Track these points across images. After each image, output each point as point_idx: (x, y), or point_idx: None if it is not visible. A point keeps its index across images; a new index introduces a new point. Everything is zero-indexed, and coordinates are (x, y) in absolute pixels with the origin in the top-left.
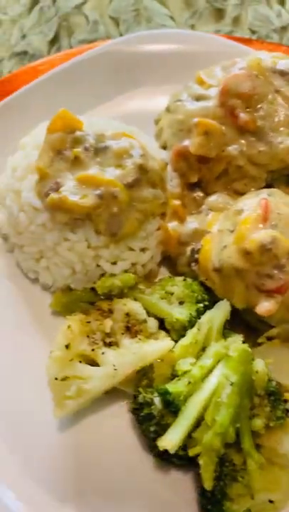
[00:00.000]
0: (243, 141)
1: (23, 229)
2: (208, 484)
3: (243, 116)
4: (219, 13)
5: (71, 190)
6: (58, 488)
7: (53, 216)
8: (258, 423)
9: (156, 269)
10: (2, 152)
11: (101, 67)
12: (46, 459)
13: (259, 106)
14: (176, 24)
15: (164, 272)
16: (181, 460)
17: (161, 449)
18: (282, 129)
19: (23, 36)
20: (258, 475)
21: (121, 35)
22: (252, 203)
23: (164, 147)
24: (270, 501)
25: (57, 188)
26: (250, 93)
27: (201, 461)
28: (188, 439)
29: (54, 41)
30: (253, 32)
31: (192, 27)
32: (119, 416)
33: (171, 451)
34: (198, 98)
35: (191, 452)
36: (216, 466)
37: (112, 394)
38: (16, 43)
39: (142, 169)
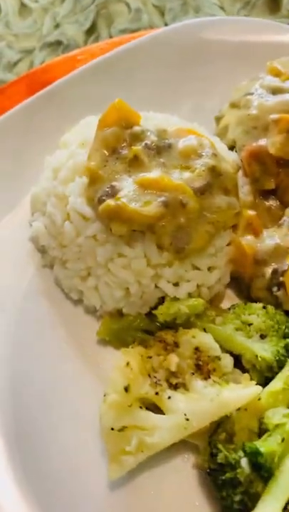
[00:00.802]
0: None
1: (68, 241)
2: None
3: None
4: (274, 4)
5: (130, 196)
6: None
7: (108, 227)
8: None
9: (224, 291)
10: (38, 151)
11: (149, 57)
12: None
13: None
14: (227, 15)
15: (230, 296)
16: None
17: None
18: None
19: (56, 25)
20: None
21: (166, 25)
22: None
23: (232, 148)
24: None
25: (113, 194)
26: None
27: None
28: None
29: (91, 31)
30: None
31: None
32: (182, 471)
33: None
34: (275, 91)
35: None
36: None
37: (175, 445)
38: (48, 33)
39: (214, 172)
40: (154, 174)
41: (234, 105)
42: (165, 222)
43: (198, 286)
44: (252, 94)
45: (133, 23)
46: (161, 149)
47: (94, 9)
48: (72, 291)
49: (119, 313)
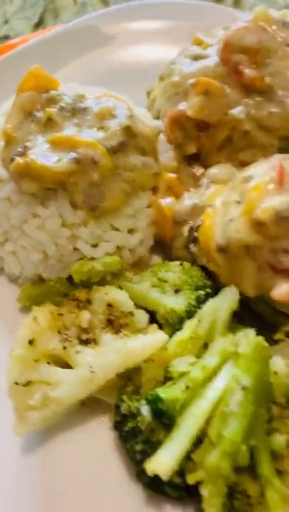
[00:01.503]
0: (249, 102)
1: None
2: None
3: (249, 72)
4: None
5: (41, 154)
6: None
7: (19, 186)
8: (279, 440)
9: (148, 256)
10: None
11: (78, 41)
12: (5, 491)
13: (267, 61)
14: None
15: (156, 261)
16: (178, 490)
17: (150, 474)
18: None
19: (6, 22)
20: (281, 509)
21: None
22: (263, 168)
23: (158, 117)
24: None
25: (24, 152)
26: (256, 47)
27: (204, 492)
28: (187, 462)
29: (39, 24)
30: None
31: None
32: (99, 435)
33: (164, 478)
34: (196, 58)
35: (191, 479)
36: (224, 499)
37: (90, 406)
38: None
39: (128, 132)
40: (66, 133)
41: (161, 78)
42: (77, 178)
43: (119, 248)
44: (175, 63)
45: (79, 15)
46: (77, 111)
47: (42, 4)
48: None
49: (40, 279)
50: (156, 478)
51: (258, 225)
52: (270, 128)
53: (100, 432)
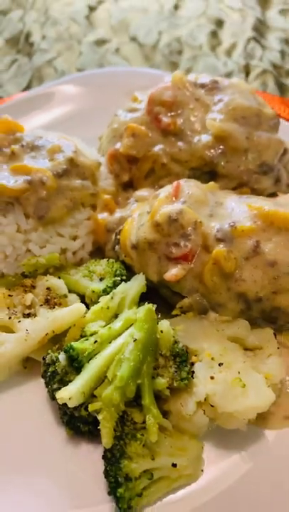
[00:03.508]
0: (166, 142)
1: None
2: (106, 441)
3: (165, 119)
4: (174, 66)
5: (3, 177)
6: None
7: None
8: (162, 382)
9: (88, 258)
10: None
11: (52, 100)
12: None
13: (180, 111)
14: None
15: None
16: (88, 425)
17: (59, 401)
18: (199, 129)
19: (0, 86)
20: (156, 430)
21: None
22: (168, 187)
23: (103, 155)
24: (174, 465)
25: None
26: (171, 100)
27: (100, 417)
28: (92, 399)
29: (27, 88)
30: None
31: None
32: (36, 392)
33: (70, 405)
34: (131, 110)
35: (91, 407)
36: (116, 424)
37: (30, 369)
38: None
39: (72, 162)
40: (24, 163)
41: (108, 126)
42: (28, 195)
43: (64, 251)
44: (117, 115)
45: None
46: (34, 147)
47: (30, 73)
48: None
49: (1, 275)
50: (71, 416)
51: (156, 226)
52: (181, 160)
53: (35, 389)
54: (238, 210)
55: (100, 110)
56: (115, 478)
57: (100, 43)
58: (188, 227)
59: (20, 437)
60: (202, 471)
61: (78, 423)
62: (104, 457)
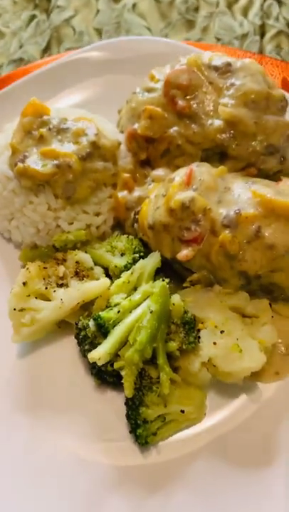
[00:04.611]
0: (181, 124)
1: None
2: (128, 392)
3: (181, 102)
4: (190, 24)
5: (34, 161)
6: (16, 398)
7: (20, 182)
8: (173, 345)
9: (109, 231)
10: None
11: (76, 70)
12: (7, 377)
13: (194, 95)
14: (152, 34)
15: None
16: (113, 377)
17: (90, 360)
18: (212, 113)
19: (21, 46)
20: (168, 384)
21: None
22: (182, 172)
23: (122, 131)
24: (182, 411)
25: (23, 160)
26: (186, 84)
27: (123, 373)
28: (116, 358)
29: (46, 49)
30: (218, 39)
31: (166, 36)
32: (69, 347)
33: (99, 363)
34: (149, 90)
35: (116, 365)
36: (136, 378)
37: (64, 328)
38: (14, 52)
39: (94, 145)
40: (52, 146)
41: (127, 102)
42: (57, 178)
43: (88, 226)
44: (135, 93)
45: (77, 43)
46: (60, 130)
47: (48, 33)
48: (4, 231)
49: (35, 246)
50: (99, 370)
51: (171, 211)
52: (194, 142)
53: (68, 346)
54: (243, 196)
55: (122, 81)
56: (135, 421)
57: None
58: (199, 213)
59: (57, 384)
60: (205, 414)
61: (105, 375)
62: (126, 403)
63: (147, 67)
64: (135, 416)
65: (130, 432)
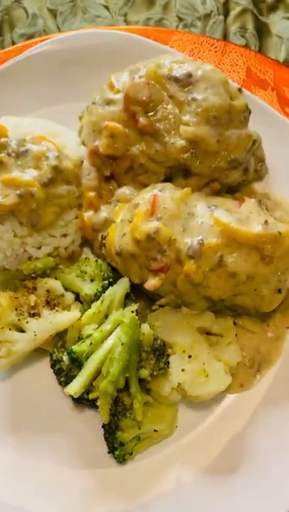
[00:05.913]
0: (143, 142)
1: None
2: (104, 419)
3: (142, 120)
4: (150, 2)
5: None
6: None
7: None
8: (145, 372)
9: (79, 250)
10: None
11: (34, 68)
12: None
13: (155, 111)
14: (110, 13)
15: (87, 252)
16: (89, 401)
17: (67, 394)
18: (173, 132)
19: None
20: (141, 411)
21: (58, 27)
22: (145, 197)
23: (84, 143)
24: (155, 430)
25: None
26: (147, 100)
27: (98, 403)
28: (91, 387)
29: None
30: (180, 19)
31: (125, 15)
32: (46, 369)
33: (75, 396)
34: (108, 102)
35: (91, 396)
36: (111, 406)
37: (40, 352)
38: None
39: (56, 169)
40: (12, 174)
41: (87, 110)
42: (21, 207)
43: (56, 248)
44: (95, 103)
45: (31, 28)
46: (20, 155)
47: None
48: None
49: (5, 269)
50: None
51: (137, 242)
52: (157, 161)
53: (46, 367)
54: (206, 224)
55: (82, 78)
56: (112, 444)
57: None
58: (164, 244)
59: (37, 404)
60: (176, 427)
61: (82, 401)
62: (103, 427)
63: (106, 62)
64: (112, 440)
65: (108, 453)
